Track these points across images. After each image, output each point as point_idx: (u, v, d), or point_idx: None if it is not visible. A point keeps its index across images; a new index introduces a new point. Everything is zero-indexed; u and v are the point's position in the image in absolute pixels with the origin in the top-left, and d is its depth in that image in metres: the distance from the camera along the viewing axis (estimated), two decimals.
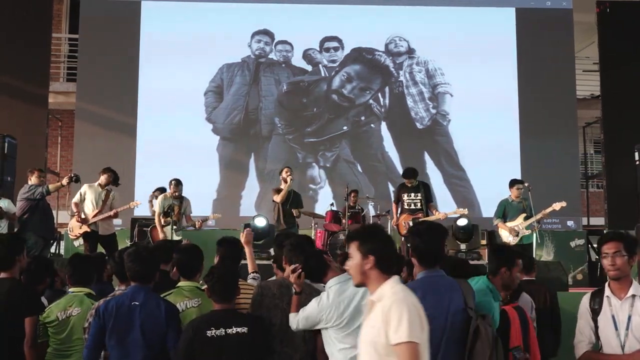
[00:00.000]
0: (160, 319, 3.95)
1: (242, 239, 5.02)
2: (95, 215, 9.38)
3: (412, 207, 9.66)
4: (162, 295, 4.20)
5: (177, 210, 9.71)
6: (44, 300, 4.86)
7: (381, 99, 13.91)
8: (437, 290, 3.51)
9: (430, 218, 9.27)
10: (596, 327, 3.82)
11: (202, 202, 11.37)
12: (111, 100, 13.57)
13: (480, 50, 13.89)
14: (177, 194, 9.70)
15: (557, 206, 9.44)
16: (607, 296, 3.82)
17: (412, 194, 9.71)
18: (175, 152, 13.26)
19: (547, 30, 14.09)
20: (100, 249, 9.31)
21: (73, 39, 15.23)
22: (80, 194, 9.47)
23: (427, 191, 9.80)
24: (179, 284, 4.41)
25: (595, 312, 3.83)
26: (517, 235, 9.66)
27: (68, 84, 15.14)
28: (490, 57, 13.89)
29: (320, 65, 14.01)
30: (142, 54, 13.77)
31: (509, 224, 9.77)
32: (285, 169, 10.17)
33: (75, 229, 9.37)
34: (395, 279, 2.87)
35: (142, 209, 11.13)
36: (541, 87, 13.90)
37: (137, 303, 3.99)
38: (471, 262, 8.56)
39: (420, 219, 9.10)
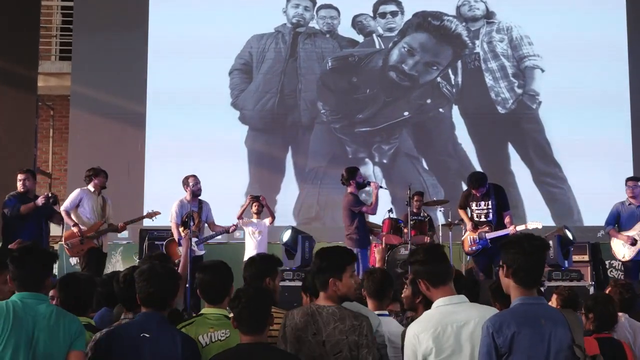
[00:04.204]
0: (175, 356, 3.93)
1: None
2: (99, 228, 9.60)
3: (483, 218, 9.74)
4: (180, 326, 4.21)
5: (198, 218, 9.87)
6: None
7: (452, 77, 13.83)
8: (535, 323, 3.53)
9: (500, 233, 9.22)
10: None
11: (227, 209, 11.37)
12: (114, 83, 13.71)
13: (580, 12, 13.76)
14: (195, 189, 9.96)
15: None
16: None
17: (482, 202, 9.76)
18: (193, 146, 13.40)
19: None
20: None
21: (67, 7, 15.39)
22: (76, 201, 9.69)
23: (500, 197, 9.81)
24: (203, 310, 4.43)
25: None
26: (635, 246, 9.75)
27: (61, 63, 15.35)
28: (594, 21, 13.75)
29: (374, 35, 13.97)
30: (151, 26, 13.91)
31: (625, 234, 9.84)
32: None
33: (76, 244, 9.52)
34: None
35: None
36: None
37: (147, 335, 3.97)
38: (569, 284, 8.57)
39: (488, 233, 9.53)
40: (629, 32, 13.78)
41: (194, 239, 9.80)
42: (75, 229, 9.60)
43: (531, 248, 3.61)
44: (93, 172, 9.93)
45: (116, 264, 12.01)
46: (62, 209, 9.81)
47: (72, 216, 9.69)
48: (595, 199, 13.01)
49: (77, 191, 9.89)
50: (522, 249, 3.61)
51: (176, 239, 9.97)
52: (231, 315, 4.05)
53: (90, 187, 9.87)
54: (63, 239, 9.80)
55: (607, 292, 5.69)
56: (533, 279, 3.65)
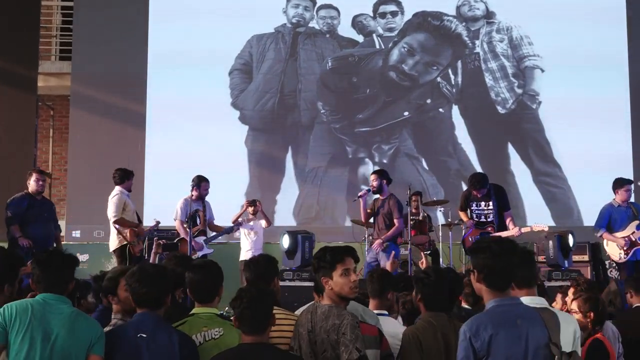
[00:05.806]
0: (173, 355, 3.95)
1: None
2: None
3: (483, 219, 9.74)
4: (173, 326, 4.20)
5: (203, 216, 9.94)
6: None
7: (452, 77, 13.82)
8: (511, 323, 3.62)
9: (504, 234, 9.21)
10: None
11: (227, 209, 11.38)
12: (115, 83, 13.70)
13: (579, 12, 13.71)
14: (205, 194, 10.07)
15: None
16: None
17: (482, 203, 9.74)
18: (193, 146, 13.42)
19: None
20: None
21: (67, 7, 15.38)
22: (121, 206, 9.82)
23: (500, 198, 9.81)
24: (194, 310, 4.40)
25: None
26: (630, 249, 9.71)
27: (61, 63, 15.28)
28: (594, 21, 13.70)
29: (374, 35, 13.96)
30: (152, 26, 13.93)
31: (619, 235, 9.74)
32: (374, 176, 10.24)
33: (135, 244, 9.68)
34: None
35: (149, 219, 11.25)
36: None
37: (144, 335, 3.99)
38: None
39: (491, 234, 9.33)
40: (629, 24, 13.78)
41: (202, 238, 9.93)
42: (137, 229, 9.76)
43: (500, 251, 3.66)
44: (124, 174, 9.95)
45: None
46: (113, 217, 9.70)
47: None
48: (594, 199, 12.96)
49: (118, 195, 9.78)
50: (491, 253, 3.67)
51: (184, 237, 9.87)
52: (220, 313, 4.06)
53: (123, 189, 9.86)
54: (129, 237, 9.68)
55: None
56: (505, 281, 3.70)
